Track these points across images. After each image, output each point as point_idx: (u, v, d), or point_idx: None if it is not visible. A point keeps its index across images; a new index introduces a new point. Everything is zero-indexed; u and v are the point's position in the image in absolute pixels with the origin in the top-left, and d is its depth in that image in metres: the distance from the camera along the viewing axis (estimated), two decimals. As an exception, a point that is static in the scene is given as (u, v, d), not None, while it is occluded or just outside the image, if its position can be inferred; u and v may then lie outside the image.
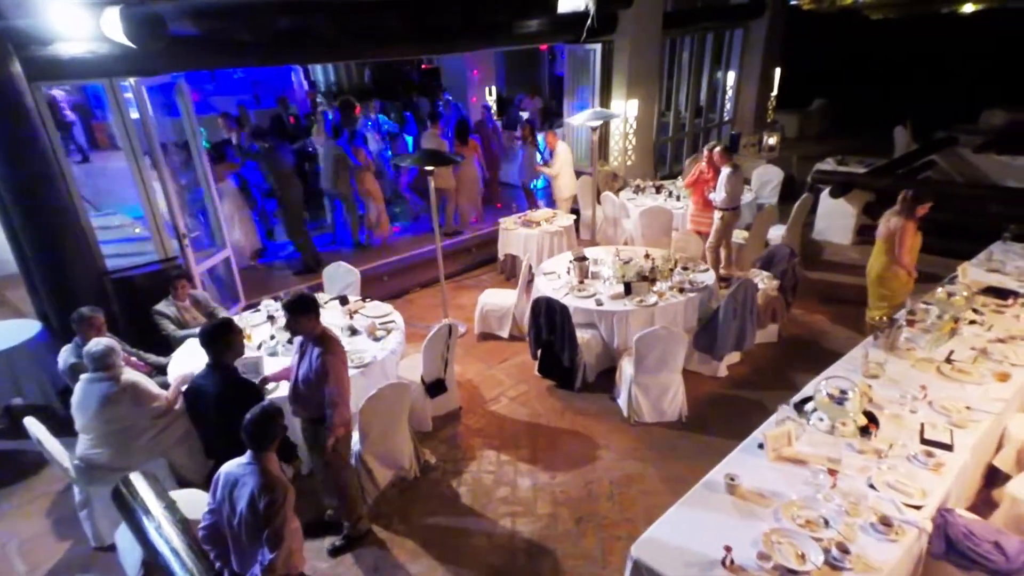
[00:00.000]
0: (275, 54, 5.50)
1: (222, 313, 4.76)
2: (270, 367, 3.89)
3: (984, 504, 3.10)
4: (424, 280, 7.26)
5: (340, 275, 5.48)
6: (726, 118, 11.63)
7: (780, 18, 11.36)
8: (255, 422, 2.36)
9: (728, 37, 10.88)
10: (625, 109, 8.62)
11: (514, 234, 6.88)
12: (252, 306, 5.91)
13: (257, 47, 5.14)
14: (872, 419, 2.92)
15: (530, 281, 5.68)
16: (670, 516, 2.53)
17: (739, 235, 6.61)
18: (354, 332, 4.43)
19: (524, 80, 14.38)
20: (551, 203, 8.26)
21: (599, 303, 4.74)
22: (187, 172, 6.11)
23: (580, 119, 6.79)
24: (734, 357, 4.90)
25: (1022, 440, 3.04)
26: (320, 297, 4.98)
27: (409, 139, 9.24)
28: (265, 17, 5.06)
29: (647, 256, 5.43)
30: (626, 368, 4.32)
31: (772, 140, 10.16)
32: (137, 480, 2.88)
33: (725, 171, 5.89)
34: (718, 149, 5.99)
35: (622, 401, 4.42)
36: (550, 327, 4.60)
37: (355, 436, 3.57)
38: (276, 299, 4.90)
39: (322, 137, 7.99)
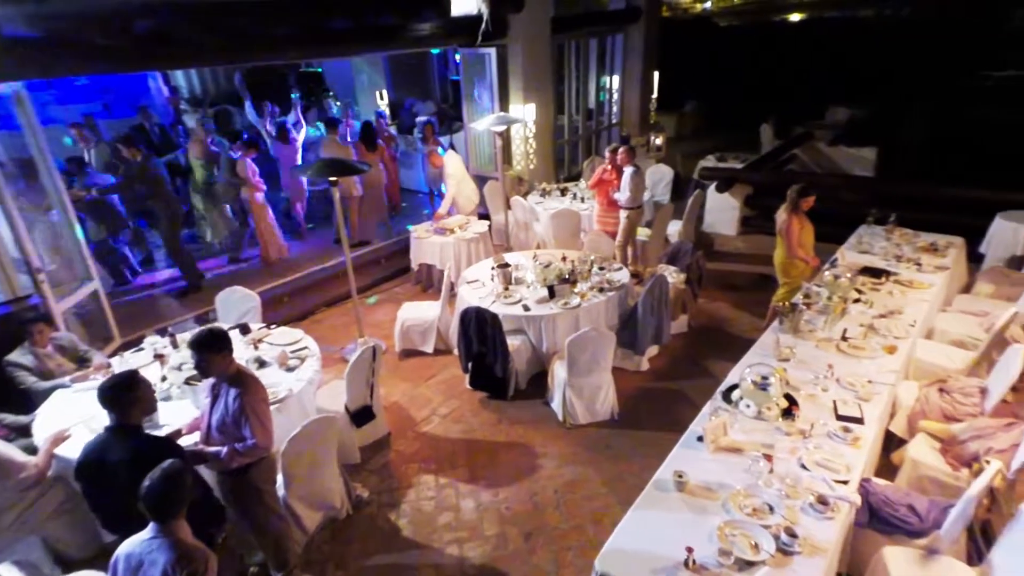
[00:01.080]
0: (137, 59, 4.84)
1: (96, 356, 4.11)
2: (165, 415, 3.40)
3: (884, 468, 3.45)
4: (330, 298, 6.81)
5: (236, 301, 4.95)
6: (614, 120, 12.18)
7: (655, 24, 12.10)
8: (157, 489, 2.02)
9: (610, 42, 11.39)
10: (524, 113, 8.70)
11: (427, 243, 6.67)
12: (131, 344, 5.20)
13: (114, 51, 4.48)
14: (792, 401, 3.13)
15: (452, 291, 5.53)
16: (627, 523, 2.53)
17: (642, 232, 6.92)
18: (262, 364, 4.01)
19: (413, 84, 14.09)
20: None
21: (526, 308, 4.70)
22: (33, 193, 5.21)
23: (484, 124, 6.73)
24: (653, 350, 5.09)
25: (911, 406, 3.43)
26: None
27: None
28: (124, 18, 4.44)
29: (564, 258, 5.49)
30: (558, 372, 4.31)
31: (659, 140, 10.80)
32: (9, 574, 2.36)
33: (628, 171, 6.12)
34: (622, 150, 6.20)
35: (556, 405, 4.41)
36: (481, 338, 4.48)
37: (279, 480, 3.21)
38: (163, 334, 4.32)
39: (199, 147, 7.23)
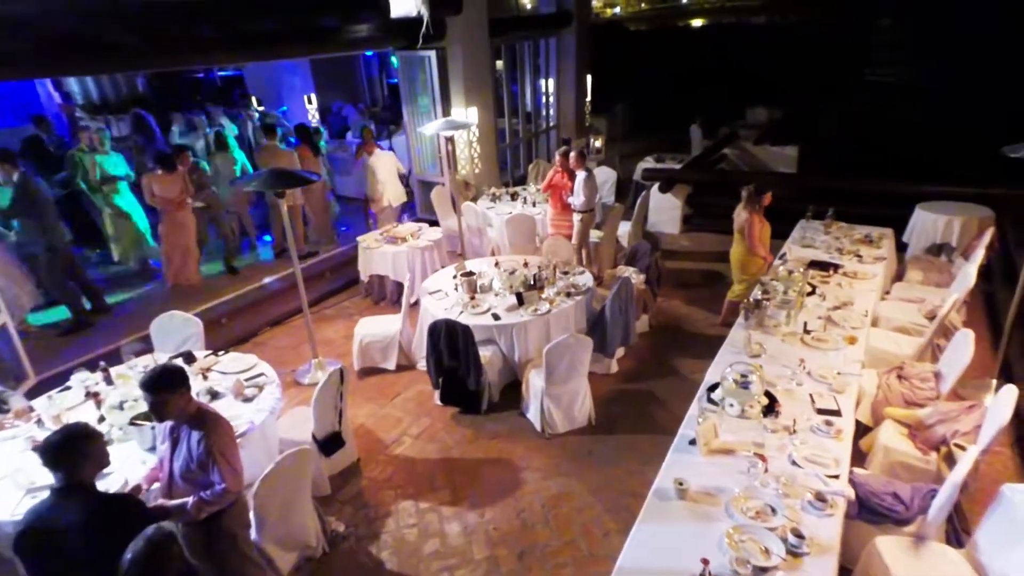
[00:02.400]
0: (42, 65, 4.30)
1: (13, 399, 3.58)
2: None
3: (854, 456, 3.59)
4: (274, 317, 6.38)
5: (174, 327, 4.49)
6: (551, 124, 12.29)
7: (586, 28, 12.31)
8: (142, 562, 1.74)
9: (544, 46, 11.49)
10: (467, 116, 8.57)
11: (378, 252, 6.39)
12: (49, 383, 4.62)
13: (13, 56, 3.95)
14: (772, 398, 3.21)
15: (413, 303, 5.31)
16: (635, 538, 2.48)
17: (593, 234, 6.98)
18: (216, 396, 3.66)
19: (340, 86, 13.59)
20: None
21: (496, 317, 4.58)
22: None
23: (432, 128, 6.54)
24: (620, 352, 5.11)
25: (873, 394, 3.62)
26: (156, 358, 4.04)
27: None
28: (26, 20, 3.91)
29: (525, 264, 5.42)
30: (535, 381, 4.23)
31: (598, 143, 11.00)
32: None
33: (581, 175, 6.15)
34: (573, 154, 6.22)
35: (533, 415, 4.32)
36: (451, 351, 4.31)
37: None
38: (93, 368, 3.85)
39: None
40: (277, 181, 4.44)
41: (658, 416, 4.36)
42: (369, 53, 12.48)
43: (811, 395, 3.23)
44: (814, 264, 4.88)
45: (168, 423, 2.56)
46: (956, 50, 17.55)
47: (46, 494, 2.81)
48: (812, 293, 4.40)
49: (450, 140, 6.89)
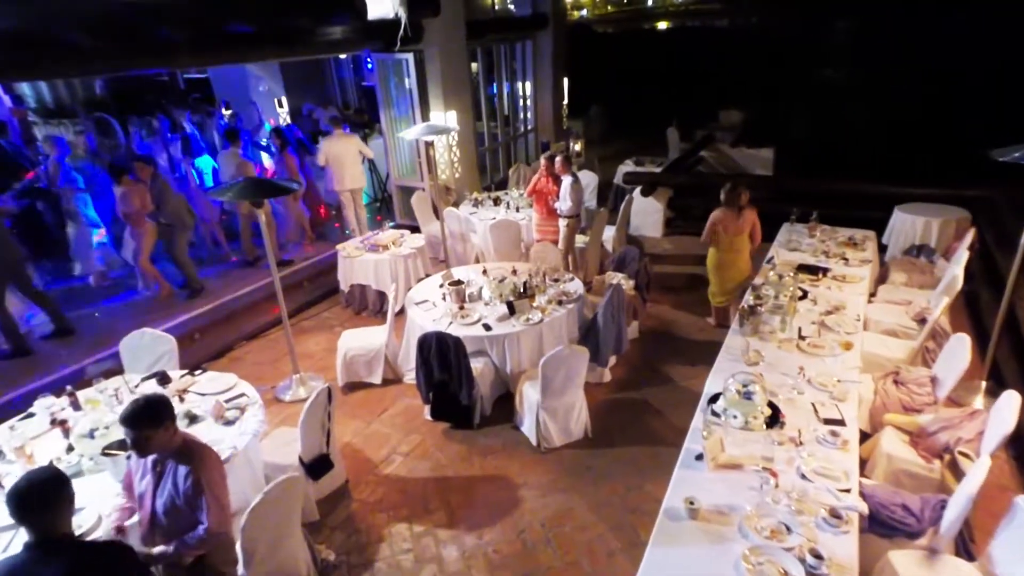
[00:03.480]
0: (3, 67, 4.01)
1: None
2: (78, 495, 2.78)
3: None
4: (249, 330, 6.12)
5: (145, 346, 4.22)
6: (529, 127, 12.22)
7: (562, 30, 12.28)
8: None
9: (520, 49, 11.41)
10: (445, 120, 8.41)
11: (359, 261, 6.19)
12: (8, 408, 4.31)
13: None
14: (775, 408, 3.16)
15: (398, 313, 5.14)
16: (649, 563, 2.38)
17: (579, 240, 6.91)
18: (194, 419, 3.45)
19: (310, 89, 13.27)
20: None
21: (488, 328, 4.45)
22: None
23: (413, 133, 6.38)
24: (611, 360, 5.04)
25: (870, 399, 3.61)
26: (127, 380, 3.79)
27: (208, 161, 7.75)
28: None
29: (514, 271, 5.31)
30: (530, 394, 4.11)
31: (577, 147, 10.95)
32: None
33: (567, 180, 6.07)
34: (559, 159, 6.14)
35: (528, 429, 4.21)
36: (443, 365, 4.16)
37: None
38: (61, 393, 3.59)
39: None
40: (255, 191, 4.23)
41: (655, 427, 4.29)
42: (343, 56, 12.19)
43: (813, 404, 3.19)
44: (802, 268, 4.89)
45: (148, 458, 2.37)
46: (922, 50, 18.13)
47: (10, 536, 2.60)
48: (804, 297, 4.40)
49: (430, 145, 6.75)
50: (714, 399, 3.28)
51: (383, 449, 4.25)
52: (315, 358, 5.56)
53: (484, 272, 5.42)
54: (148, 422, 2.24)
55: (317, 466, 3.54)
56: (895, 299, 4.85)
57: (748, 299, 4.28)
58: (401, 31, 7.09)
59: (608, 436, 4.23)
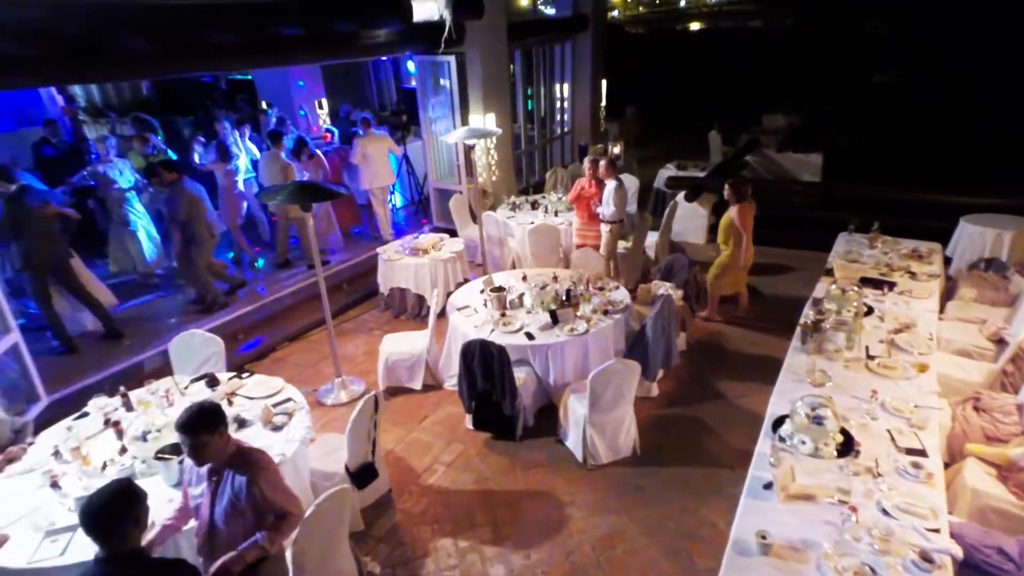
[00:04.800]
0: (62, 71, 4.09)
1: (30, 430, 3.37)
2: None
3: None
4: (292, 332, 6.16)
5: (194, 347, 4.26)
6: (565, 129, 12.08)
7: (602, 31, 12.11)
8: None
9: (560, 50, 11.29)
10: (484, 123, 8.35)
11: (400, 265, 6.16)
12: (61, 404, 4.40)
13: (36, 63, 3.74)
14: (847, 435, 2.96)
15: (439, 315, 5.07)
16: (721, 601, 2.24)
17: (620, 245, 6.75)
18: (243, 424, 3.44)
19: (348, 90, 13.41)
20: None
21: (530, 337, 4.35)
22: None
23: (455, 137, 6.32)
24: (659, 373, 4.87)
25: (947, 426, 3.37)
26: (177, 381, 3.81)
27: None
28: (47, 25, 3.70)
29: (555, 278, 5.19)
30: (576, 407, 3.98)
31: (616, 149, 10.75)
32: None
33: (611, 185, 5.92)
34: (603, 163, 6.00)
35: (573, 444, 4.08)
36: (486, 374, 4.07)
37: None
38: (113, 392, 3.62)
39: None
40: (303, 195, 4.22)
41: (709, 446, 4.12)
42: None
43: (889, 431, 2.98)
44: (865, 281, 4.63)
45: (207, 465, 2.34)
46: (985, 47, 17.15)
47: (67, 537, 2.61)
48: (869, 313, 4.16)
49: (472, 148, 6.69)
50: (778, 422, 3.10)
51: (425, 458, 4.18)
52: (356, 361, 5.54)
53: (524, 278, 5.32)
54: (204, 427, 2.23)
55: (362, 475, 3.49)
56: (967, 316, 4.56)
57: (809, 314, 4.07)
58: (445, 33, 7.05)
59: (658, 455, 4.06)
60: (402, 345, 4.99)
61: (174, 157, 7.29)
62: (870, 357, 3.64)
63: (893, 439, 2.92)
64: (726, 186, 5.71)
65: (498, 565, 3.29)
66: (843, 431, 2.97)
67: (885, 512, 2.49)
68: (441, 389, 4.96)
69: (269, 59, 6.28)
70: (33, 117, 10.28)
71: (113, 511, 1.88)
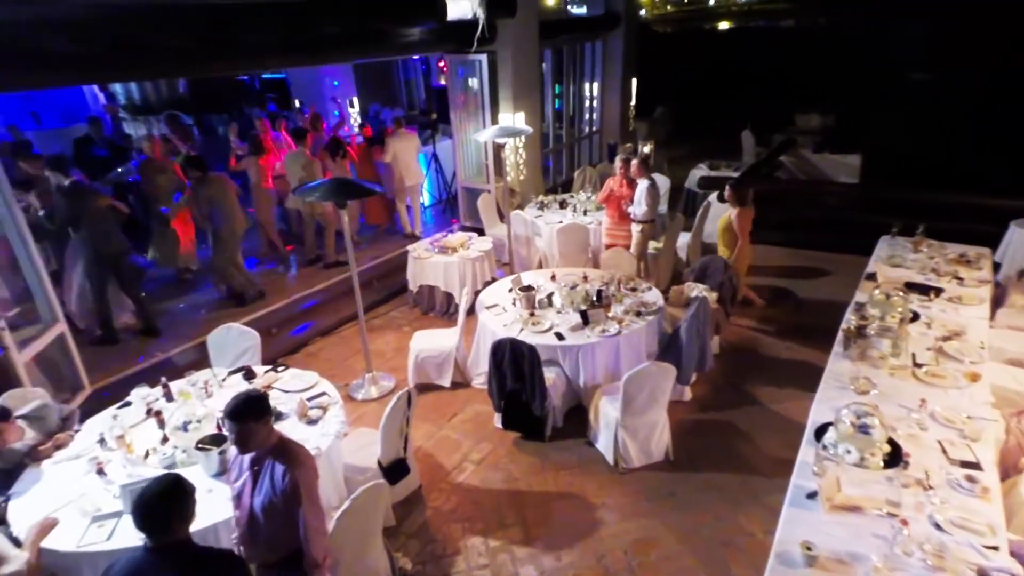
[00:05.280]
0: (106, 69, 4.20)
1: (76, 418, 3.47)
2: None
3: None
4: (323, 327, 6.23)
5: (232, 340, 4.33)
6: (594, 128, 11.99)
7: (633, 30, 11.98)
8: None
9: (590, 49, 11.21)
10: (514, 121, 8.33)
11: (429, 263, 6.18)
12: (102, 393, 4.53)
13: (82, 60, 3.85)
14: (894, 445, 2.86)
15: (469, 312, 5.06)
16: (763, 611, 2.18)
17: (651, 245, 6.66)
18: (278, 417, 3.46)
19: (378, 89, 13.55)
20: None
21: (560, 337, 4.32)
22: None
23: (487, 135, 6.32)
24: (692, 377, 4.79)
25: (1001, 439, 3.22)
26: (215, 373, 3.88)
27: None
28: (93, 23, 3.81)
29: (585, 278, 5.15)
30: (607, 410, 3.94)
31: (646, 148, 10.62)
32: None
33: (644, 184, 5.85)
34: (635, 163, 5.92)
35: (603, 446, 4.04)
36: (516, 373, 4.05)
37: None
38: (155, 383, 3.71)
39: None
40: (340, 191, 4.26)
41: (744, 453, 4.02)
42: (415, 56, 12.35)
43: (940, 443, 2.86)
44: (910, 286, 4.47)
45: (249, 455, 2.37)
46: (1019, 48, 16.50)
47: (113, 523, 2.68)
48: (915, 319, 4.01)
49: (503, 147, 6.68)
50: (821, 430, 3.01)
51: (454, 456, 4.18)
52: (385, 357, 5.58)
53: (553, 278, 5.28)
54: (251, 415, 2.26)
55: (395, 470, 3.50)
56: (1019, 325, 4.36)
57: (851, 320, 3.94)
58: (478, 31, 7.05)
59: (691, 460, 3.99)
60: (432, 342, 5.01)
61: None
62: (917, 365, 3.51)
63: (944, 451, 2.81)
64: (728, 188, 5.70)
65: (529, 566, 3.26)
66: (891, 441, 2.87)
67: (938, 527, 2.39)
68: (469, 387, 4.96)
69: (307, 58, 6.37)
70: (77, 114, 10.65)
71: (163, 506, 1.93)
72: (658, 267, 6.51)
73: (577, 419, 4.37)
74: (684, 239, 7.00)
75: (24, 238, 4.04)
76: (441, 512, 3.69)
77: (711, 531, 3.38)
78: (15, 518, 2.75)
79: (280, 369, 3.98)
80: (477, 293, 5.37)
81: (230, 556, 2.14)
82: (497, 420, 4.44)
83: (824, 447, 2.90)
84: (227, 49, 5.01)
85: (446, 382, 4.97)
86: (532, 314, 4.66)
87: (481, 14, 6.96)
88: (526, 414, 4.22)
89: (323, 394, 3.69)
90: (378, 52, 7.09)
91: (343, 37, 6.01)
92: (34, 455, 3.10)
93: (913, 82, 18.83)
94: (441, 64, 10.20)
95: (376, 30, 6.36)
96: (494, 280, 6.04)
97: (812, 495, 2.62)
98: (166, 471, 2.92)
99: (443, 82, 10.85)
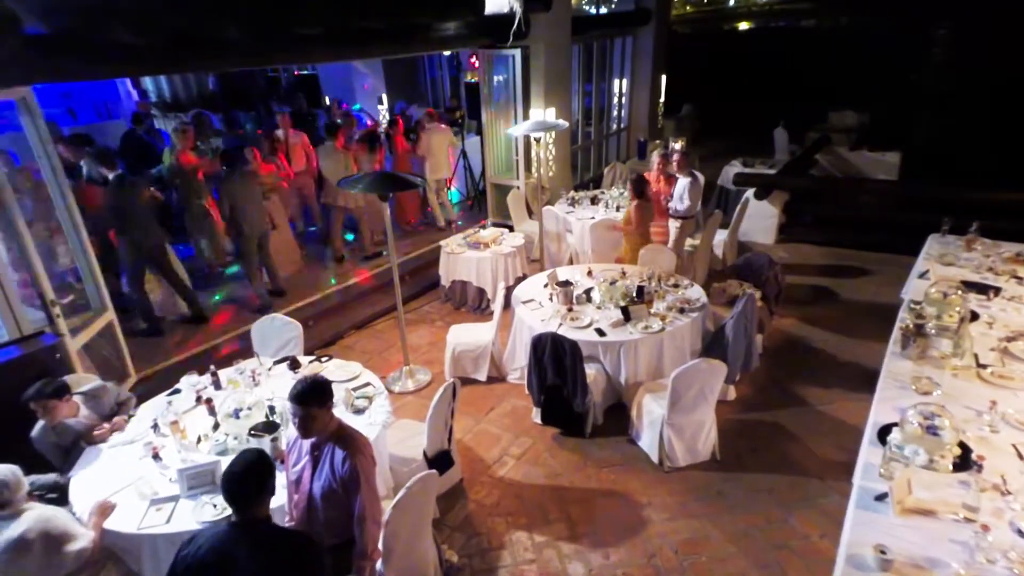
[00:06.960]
0: (162, 61, 4.25)
1: (132, 403, 3.52)
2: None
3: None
4: (358, 320, 6.25)
5: (275, 330, 4.35)
6: (623, 125, 11.88)
7: (664, 26, 11.84)
8: None
9: (620, 45, 11.10)
10: (545, 117, 8.27)
11: (462, 258, 6.17)
12: (148, 381, 4.60)
13: (144, 52, 3.89)
14: (965, 447, 2.75)
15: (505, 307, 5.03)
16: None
17: (687, 242, 6.56)
18: (326, 407, 3.48)
19: (405, 86, 13.59)
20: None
21: (601, 333, 4.26)
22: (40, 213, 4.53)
23: (521, 130, 6.28)
24: (736, 376, 4.69)
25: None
26: (262, 362, 3.91)
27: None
28: (158, 16, 3.86)
29: (623, 274, 5.08)
30: (652, 407, 3.87)
31: (678, 145, 10.47)
32: None
33: (685, 180, 5.76)
34: (676, 157, 5.84)
35: (647, 445, 3.97)
36: (557, 368, 4.00)
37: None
38: (205, 372, 3.74)
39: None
40: (382, 184, 4.26)
41: (793, 454, 3.92)
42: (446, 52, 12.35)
43: (1015, 446, 2.75)
44: (967, 285, 4.31)
45: (303, 442, 2.38)
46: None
47: (171, 507, 2.71)
48: (974, 319, 3.87)
49: (538, 142, 6.62)
50: (883, 431, 2.91)
51: (494, 449, 4.16)
52: (420, 350, 5.58)
53: (589, 273, 5.21)
54: (315, 400, 2.28)
55: (440, 461, 3.48)
56: (1082, 327, 4.17)
57: (907, 319, 3.81)
58: (515, 25, 7.01)
59: (739, 460, 3.90)
60: (468, 336, 4.99)
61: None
62: (981, 366, 3.38)
63: (1021, 455, 2.69)
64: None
65: (576, 563, 3.22)
66: (961, 444, 2.76)
67: (1021, 533, 2.29)
68: (505, 382, 4.93)
69: (349, 51, 6.39)
70: (112, 110, 10.86)
71: (252, 478, 1.98)
72: (694, 264, 6.41)
73: (617, 417, 4.31)
74: (720, 237, 6.88)
75: (77, 226, 4.11)
76: (484, 505, 3.66)
77: (763, 533, 3.30)
78: (76, 498, 2.79)
79: (324, 360, 3.99)
80: (509, 289, 5.34)
81: (308, 537, 2.16)
82: (536, 415, 4.41)
83: (892, 448, 2.80)
84: (276, 41, 5.02)
85: (482, 376, 4.95)
86: (570, 309, 4.61)
87: (518, 8, 6.92)
88: (566, 410, 4.17)
89: (368, 384, 3.69)
90: (417, 47, 7.09)
91: (384, 31, 6.01)
92: (90, 438, 3.15)
93: (958, 80, 18.24)
94: (472, 59, 10.16)
95: (415, 24, 6.35)
96: (525, 276, 6.00)
97: (880, 497, 2.53)
98: (218, 457, 2.96)
99: (472, 79, 10.84)
